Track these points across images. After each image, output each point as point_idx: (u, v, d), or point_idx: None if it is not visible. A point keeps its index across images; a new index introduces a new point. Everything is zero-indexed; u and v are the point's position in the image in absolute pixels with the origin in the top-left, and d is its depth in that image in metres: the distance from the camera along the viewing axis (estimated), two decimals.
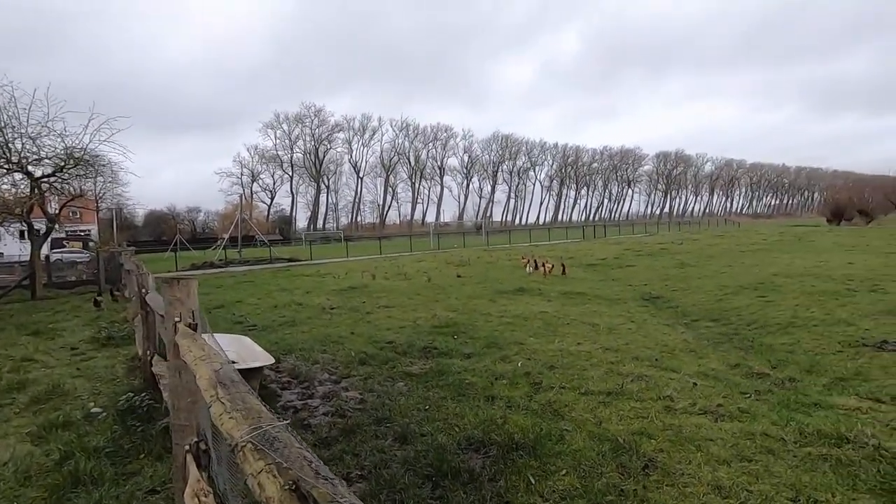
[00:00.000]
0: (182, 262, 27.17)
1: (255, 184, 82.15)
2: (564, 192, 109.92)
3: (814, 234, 31.87)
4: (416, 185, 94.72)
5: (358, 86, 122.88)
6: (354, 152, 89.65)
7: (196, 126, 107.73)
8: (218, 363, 1.69)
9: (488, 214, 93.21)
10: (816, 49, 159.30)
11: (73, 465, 3.43)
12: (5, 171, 14.71)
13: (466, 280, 14.64)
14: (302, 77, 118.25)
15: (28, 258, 16.53)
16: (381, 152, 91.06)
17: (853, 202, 52.11)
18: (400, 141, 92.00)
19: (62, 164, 15.18)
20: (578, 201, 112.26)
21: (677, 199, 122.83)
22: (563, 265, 15.80)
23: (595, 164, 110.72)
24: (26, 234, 16.67)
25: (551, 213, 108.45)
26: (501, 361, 5.94)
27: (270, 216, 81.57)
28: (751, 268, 15.02)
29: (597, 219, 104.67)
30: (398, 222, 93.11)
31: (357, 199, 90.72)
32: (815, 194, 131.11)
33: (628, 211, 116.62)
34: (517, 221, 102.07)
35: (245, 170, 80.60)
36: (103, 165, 17.11)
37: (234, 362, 5.18)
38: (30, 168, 14.90)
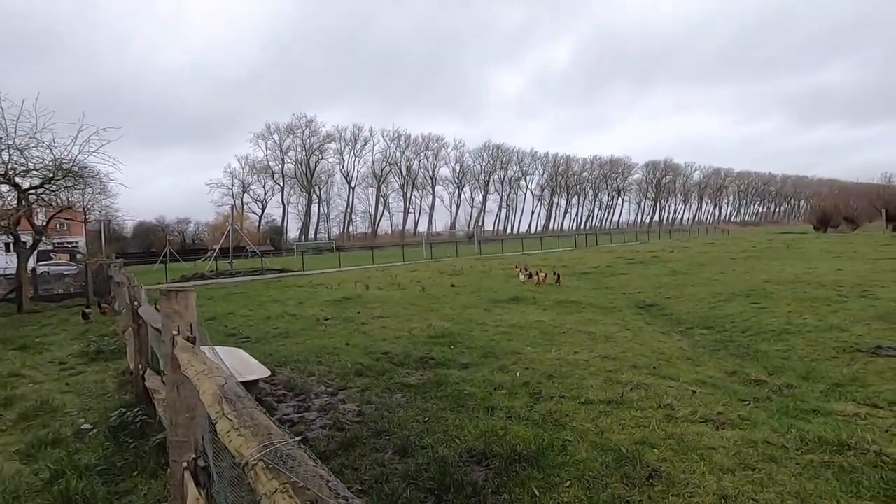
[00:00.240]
0: (172, 274, 26.86)
1: (245, 194, 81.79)
2: (555, 201, 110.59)
3: (802, 241, 32.30)
4: (408, 195, 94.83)
5: (349, 96, 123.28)
6: (346, 162, 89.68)
7: (187, 137, 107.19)
8: (222, 378, 1.65)
9: (480, 224, 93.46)
10: (798, 62, 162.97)
11: (64, 485, 3.33)
12: None
13: (461, 289, 14.61)
14: (293, 88, 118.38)
15: (14, 271, 16.24)
16: (373, 162, 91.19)
17: (839, 209, 52.98)
18: (391, 151, 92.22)
19: (50, 175, 15.00)
20: (569, 210, 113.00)
21: (667, 208, 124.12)
22: (557, 274, 15.82)
23: (585, 174, 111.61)
24: (12, 246, 16.39)
25: (543, 222, 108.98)
26: (499, 371, 5.90)
27: (261, 227, 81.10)
28: (742, 275, 15.16)
29: (588, 227, 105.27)
30: (390, 232, 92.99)
31: (349, 210, 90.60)
32: (802, 202, 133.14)
33: (619, 219, 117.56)
34: (509, 230, 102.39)
35: (236, 180, 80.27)
36: (92, 177, 16.94)
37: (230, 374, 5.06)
38: (17, 179, 14.69)
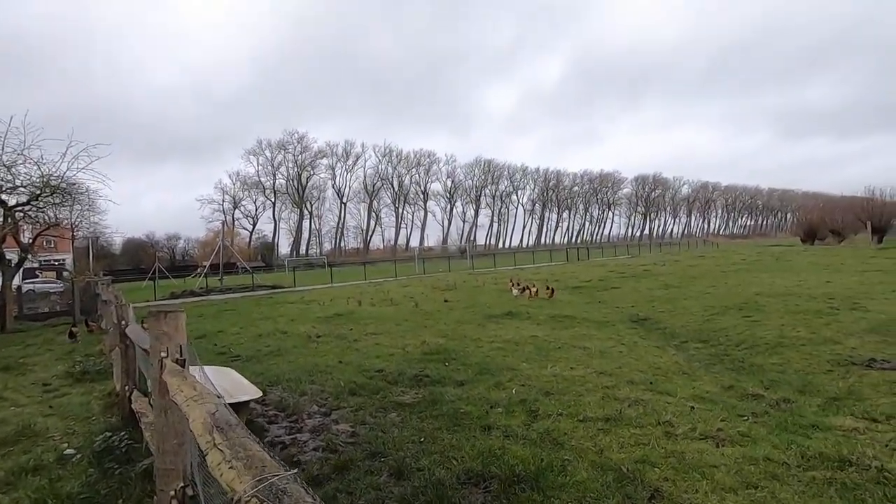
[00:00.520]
0: (161, 291, 26.48)
1: (236, 210, 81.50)
2: (547, 215, 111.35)
3: (790, 253, 32.65)
4: (400, 210, 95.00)
5: (341, 112, 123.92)
6: (338, 178, 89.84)
7: (178, 153, 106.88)
8: (213, 404, 1.58)
9: (472, 238, 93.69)
10: (782, 79, 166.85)
11: None
12: None
13: (454, 305, 14.52)
14: (285, 104, 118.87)
15: None
16: (365, 178, 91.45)
17: (825, 222, 53.74)
18: (383, 167, 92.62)
19: (38, 192, 14.80)
20: (560, 224, 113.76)
21: (657, 222, 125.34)
22: (551, 288, 15.81)
23: (576, 188, 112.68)
24: None
25: (534, 237, 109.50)
26: (495, 388, 5.82)
27: (252, 243, 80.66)
28: (734, 288, 15.23)
29: (579, 241, 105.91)
30: (382, 247, 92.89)
31: (340, 225, 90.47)
32: (788, 215, 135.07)
33: (609, 233, 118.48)
34: (501, 245, 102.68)
35: (227, 196, 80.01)
36: (80, 193, 16.75)
37: (219, 396, 4.95)
38: (3, 196, 14.48)
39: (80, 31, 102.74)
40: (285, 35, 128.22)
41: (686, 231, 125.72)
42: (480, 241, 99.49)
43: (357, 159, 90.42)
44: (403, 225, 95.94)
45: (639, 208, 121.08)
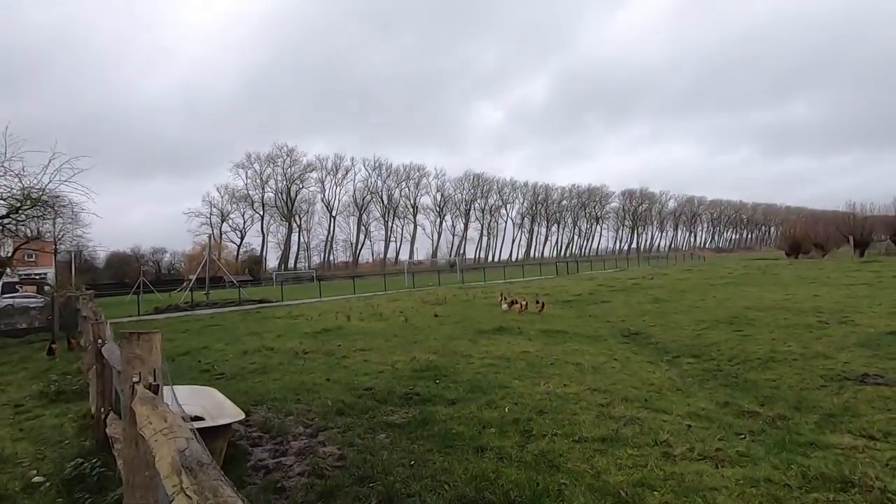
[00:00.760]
0: (145, 306, 25.91)
1: (224, 224, 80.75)
2: (536, 229, 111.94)
3: (776, 267, 33.02)
4: (390, 224, 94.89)
5: (331, 126, 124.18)
6: (327, 191, 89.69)
7: (165, 166, 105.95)
8: (184, 439, 1.43)
9: (462, 252, 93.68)
10: (763, 98, 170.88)
11: None
12: None
13: (444, 319, 14.35)
14: (274, 118, 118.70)
15: None
16: (354, 191, 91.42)
17: (809, 236, 54.63)
18: (373, 180, 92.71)
19: (18, 204, 14.48)
20: (549, 238, 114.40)
21: (644, 235, 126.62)
22: (541, 303, 15.72)
23: (564, 202, 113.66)
24: None
25: (523, 250, 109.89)
26: (488, 407, 5.66)
27: (240, 256, 79.80)
28: (723, 301, 15.27)
29: (568, 255, 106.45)
30: (371, 261, 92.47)
31: (330, 238, 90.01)
32: (772, 229, 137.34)
33: (597, 247, 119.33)
34: (490, 258, 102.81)
35: (214, 209, 79.31)
36: (63, 206, 16.42)
37: (200, 418, 4.73)
38: None
39: (70, 45, 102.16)
40: (275, 51, 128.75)
41: (673, 245, 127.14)
42: (470, 254, 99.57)
43: (347, 173, 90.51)
44: (393, 238, 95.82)
45: (626, 222, 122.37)
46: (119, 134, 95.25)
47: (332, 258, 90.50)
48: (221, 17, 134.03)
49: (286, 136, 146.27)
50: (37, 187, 14.49)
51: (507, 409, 5.50)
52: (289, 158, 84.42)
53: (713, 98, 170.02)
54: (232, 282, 39.00)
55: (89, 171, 15.25)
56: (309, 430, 5.24)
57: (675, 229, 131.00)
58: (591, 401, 5.80)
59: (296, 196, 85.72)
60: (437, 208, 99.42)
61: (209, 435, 4.08)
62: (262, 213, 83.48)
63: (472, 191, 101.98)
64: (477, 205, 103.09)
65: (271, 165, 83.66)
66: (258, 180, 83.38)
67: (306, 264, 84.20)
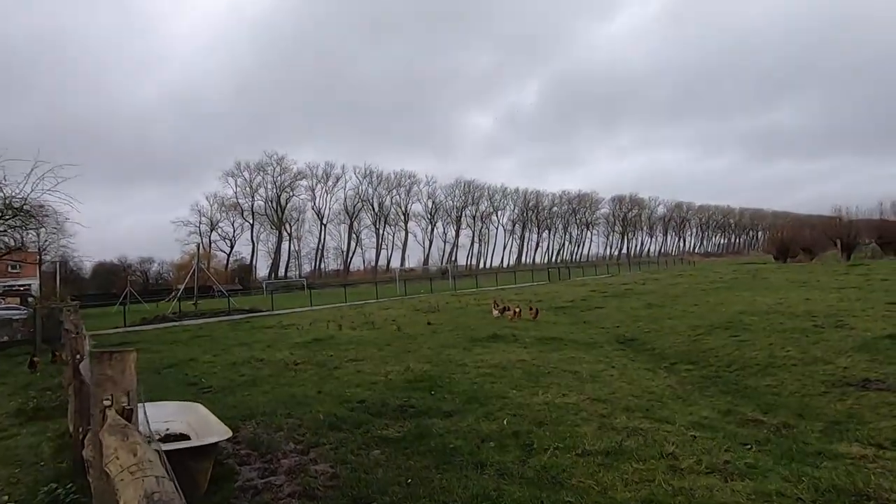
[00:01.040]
0: (132, 317, 25.40)
1: (213, 232, 79.87)
2: (527, 235, 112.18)
3: (765, 271, 33.24)
4: (381, 231, 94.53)
5: (321, 134, 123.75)
6: (318, 199, 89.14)
7: (153, 175, 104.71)
8: (154, 478, 1.24)
9: (454, 259, 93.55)
10: (748, 103, 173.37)
11: None
12: None
13: (438, 328, 14.15)
14: (264, 126, 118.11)
15: None
16: (345, 199, 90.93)
17: (796, 240, 55.27)
18: (364, 188, 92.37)
19: None
20: (540, 244, 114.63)
21: (634, 241, 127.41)
22: (535, 309, 15.59)
23: (555, 208, 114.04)
24: None
25: (515, 257, 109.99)
26: (485, 419, 5.48)
27: (229, 265, 78.96)
28: (716, 306, 15.23)
29: (559, 261, 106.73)
30: (363, 269, 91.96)
31: (320, 246, 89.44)
32: (759, 233, 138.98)
33: (588, 252, 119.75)
34: (482, 265, 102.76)
35: (203, 218, 78.44)
36: (46, 216, 16.04)
37: (185, 436, 4.47)
38: None
39: (56, 54, 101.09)
40: (266, 59, 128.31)
41: (662, 250, 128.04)
42: (461, 261, 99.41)
43: (337, 180, 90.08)
44: (384, 246, 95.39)
45: (616, 228, 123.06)
46: (105, 143, 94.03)
47: (322, 266, 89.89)
48: (211, 26, 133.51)
49: (276, 144, 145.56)
50: (18, 197, 14.13)
51: (505, 421, 5.32)
52: (279, 166, 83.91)
53: (700, 104, 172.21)
54: (221, 291, 38.47)
55: (74, 179, 14.92)
56: (300, 446, 5.02)
57: (665, 234, 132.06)
58: (591, 411, 5.64)
59: (286, 204, 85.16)
60: (429, 215, 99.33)
61: (194, 455, 3.87)
62: (251, 221, 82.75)
63: (463, 198, 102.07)
64: (468, 211, 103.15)
65: (261, 174, 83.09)
66: (248, 188, 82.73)
67: (297, 273, 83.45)
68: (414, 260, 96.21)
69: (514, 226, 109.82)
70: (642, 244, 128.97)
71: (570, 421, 5.28)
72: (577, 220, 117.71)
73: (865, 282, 19.78)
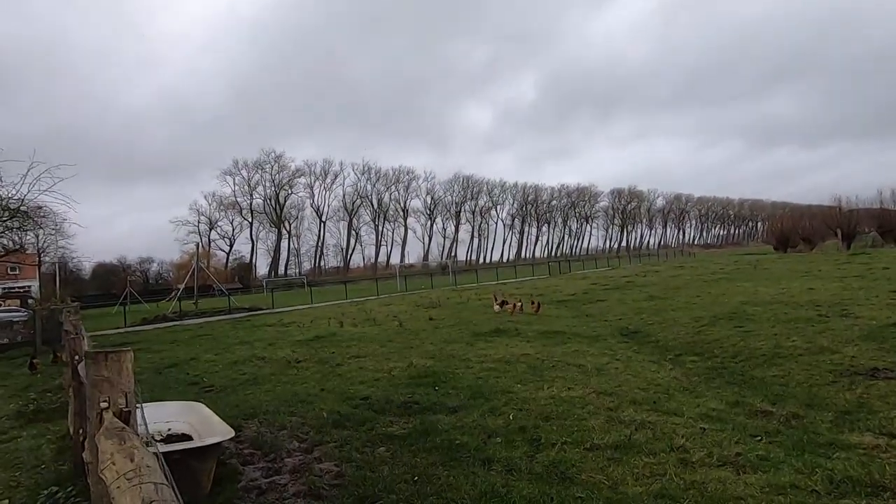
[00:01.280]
0: (132, 317, 25.35)
1: (212, 231, 79.76)
2: (526, 229, 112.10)
3: (766, 261, 33.19)
4: (380, 228, 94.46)
5: (319, 131, 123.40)
6: (316, 196, 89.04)
7: (151, 175, 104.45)
8: (152, 485, 1.17)
9: (453, 254, 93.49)
10: (746, 94, 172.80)
11: None
12: None
13: (440, 323, 14.09)
14: (262, 124, 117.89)
15: None
16: (344, 196, 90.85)
17: (796, 230, 55.21)
18: (362, 184, 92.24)
19: None
20: (540, 238, 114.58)
21: (633, 233, 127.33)
22: (537, 303, 15.53)
23: (554, 202, 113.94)
24: None
25: (514, 251, 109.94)
26: (491, 414, 5.41)
27: (229, 264, 78.91)
28: (718, 297, 15.16)
29: (558, 254, 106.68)
30: (363, 265, 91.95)
31: (320, 244, 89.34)
32: (759, 224, 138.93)
33: (588, 246, 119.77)
34: (482, 260, 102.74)
35: (202, 217, 78.30)
36: (44, 217, 15.93)
37: (188, 436, 4.40)
38: None
39: (50, 54, 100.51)
40: (262, 56, 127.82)
41: (662, 242, 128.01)
42: (461, 256, 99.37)
43: (336, 177, 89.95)
44: (384, 242, 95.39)
45: (616, 221, 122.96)
46: (103, 143, 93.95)
47: (322, 264, 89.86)
48: (206, 26, 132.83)
49: (274, 142, 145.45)
50: (15, 198, 14.02)
51: (511, 417, 5.26)
52: (277, 164, 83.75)
53: (699, 95, 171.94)
54: (221, 290, 38.40)
55: (71, 180, 14.82)
56: (304, 445, 4.96)
57: (664, 227, 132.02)
58: (598, 404, 5.57)
59: (285, 202, 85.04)
60: (428, 211, 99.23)
61: (197, 456, 3.80)
62: (250, 219, 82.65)
63: (462, 193, 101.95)
64: (467, 207, 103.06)
65: (259, 172, 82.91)
66: (246, 187, 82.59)
67: (297, 270, 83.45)
68: (414, 256, 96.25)
69: (513, 220, 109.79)
70: (642, 237, 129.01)
71: (577, 415, 5.21)
72: (577, 214, 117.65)
73: (867, 270, 19.71)
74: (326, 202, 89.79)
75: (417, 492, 3.69)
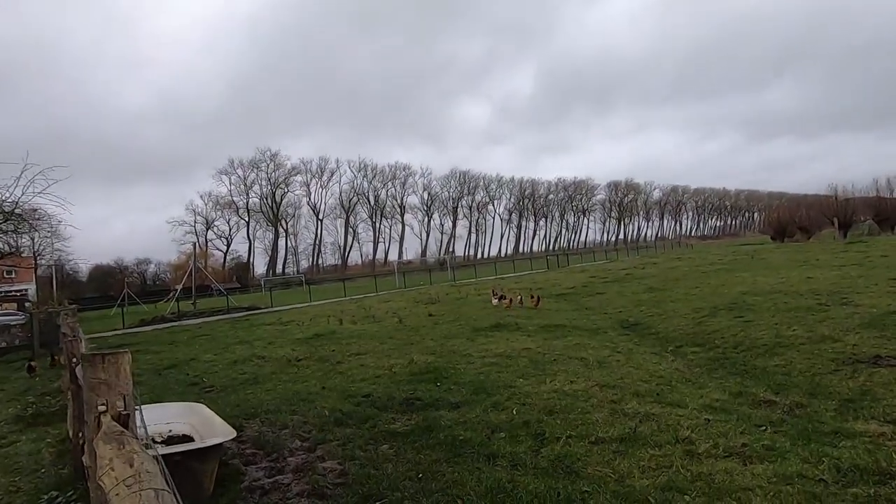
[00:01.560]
0: (130, 318, 25.25)
1: (209, 231, 79.56)
2: (524, 224, 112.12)
3: (763, 251, 33.21)
4: (377, 225, 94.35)
5: (314, 129, 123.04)
6: (313, 195, 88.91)
7: (146, 175, 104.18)
8: (152, 491, 1.12)
9: (451, 250, 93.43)
10: (742, 85, 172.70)
11: None
12: None
13: (439, 319, 14.06)
14: (257, 122, 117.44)
15: None
16: (340, 193, 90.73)
17: (793, 220, 55.30)
18: (359, 181, 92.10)
19: None
20: (537, 232, 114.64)
21: (630, 226, 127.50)
22: (536, 297, 15.51)
23: (551, 196, 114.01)
24: None
25: (512, 245, 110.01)
26: (494, 409, 5.39)
27: (227, 264, 78.76)
28: (718, 288, 15.16)
29: (556, 248, 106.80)
30: (361, 263, 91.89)
31: (317, 242, 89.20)
32: (756, 214, 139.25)
33: (585, 239, 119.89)
34: (479, 255, 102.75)
35: (199, 217, 78.07)
36: (37, 220, 15.79)
37: (189, 437, 4.35)
38: None
39: (43, 57, 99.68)
40: (257, 54, 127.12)
41: (659, 234, 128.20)
42: (459, 251, 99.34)
43: (332, 175, 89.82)
44: (381, 239, 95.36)
45: (613, 214, 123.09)
46: (98, 144, 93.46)
47: (320, 261, 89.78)
48: (200, 24, 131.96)
49: (269, 140, 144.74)
50: (9, 200, 13.88)
51: (514, 411, 5.23)
52: (272, 163, 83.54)
53: (695, 87, 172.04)
54: (219, 290, 38.29)
55: (66, 181, 14.61)
56: (306, 443, 4.92)
57: (661, 219, 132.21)
58: (601, 397, 5.55)
59: (281, 200, 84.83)
60: (425, 207, 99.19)
61: (198, 457, 3.76)
62: (247, 219, 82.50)
63: (459, 188, 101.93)
64: (464, 202, 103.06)
65: (255, 170, 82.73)
66: (242, 186, 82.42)
67: (295, 269, 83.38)
68: (412, 252, 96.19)
69: (510, 215, 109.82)
70: (639, 229, 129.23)
71: (581, 408, 5.19)
72: (574, 207, 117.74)
73: (865, 259, 19.75)
74: (323, 200, 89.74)
75: (422, 489, 3.65)
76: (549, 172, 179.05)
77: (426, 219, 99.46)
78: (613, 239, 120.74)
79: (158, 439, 4.43)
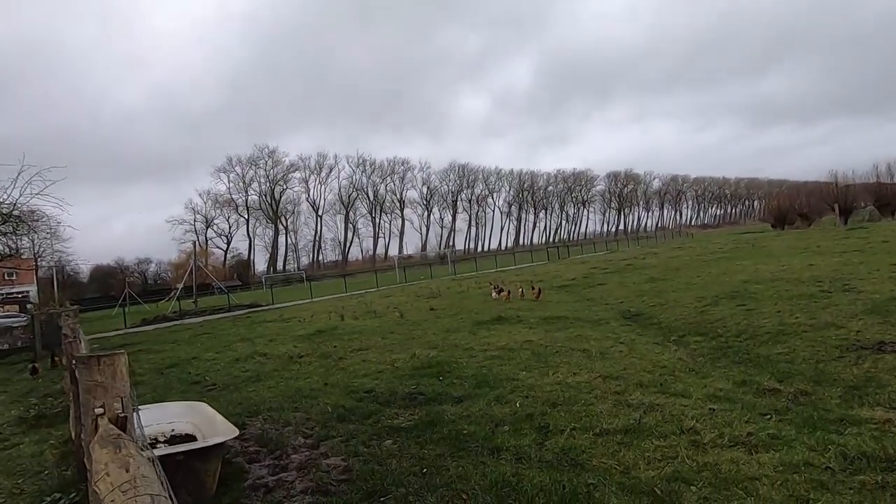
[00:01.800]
0: (132, 318, 25.27)
1: (209, 229, 79.48)
2: (523, 216, 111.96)
3: (764, 239, 33.18)
4: (377, 220, 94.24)
5: (312, 125, 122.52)
6: (312, 191, 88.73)
7: (144, 175, 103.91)
8: (148, 496, 1.09)
9: (451, 244, 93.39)
10: (742, 72, 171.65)
11: None
12: None
13: (441, 313, 14.04)
14: (254, 120, 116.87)
15: None
16: (340, 189, 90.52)
17: (794, 207, 55.17)
18: (357, 177, 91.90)
19: None
20: (538, 224, 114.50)
21: (631, 216, 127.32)
22: (537, 289, 15.49)
23: (550, 188, 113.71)
24: None
25: (512, 238, 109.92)
26: (497, 403, 5.37)
27: (227, 262, 78.77)
28: (719, 277, 15.13)
29: (556, 240, 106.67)
30: (361, 258, 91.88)
31: (317, 238, 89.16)
32: (756, 202, 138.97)
33: (586, 230, 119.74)
34: (480, 248, 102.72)
35: (198, 216, 77.97)
36: (36, 221, 15.76)
37: (192, 436, 4.32)
38: None
39: (39, 57, 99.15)
40: (253, 51, 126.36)
41: (659, 224, 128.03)
42: (459, 245, 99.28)
43: (330, 171, 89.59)
44: (381, 235, 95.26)
45: (613, 204, 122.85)
46: (95, 144, 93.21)
47: (320, 258, 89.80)
48: (199, 20, 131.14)
49: (267, 137, 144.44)
50: (7, 203, 13.83)
51: (518, 404, 5.21)
52: (271, 160, 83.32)
53: (693, 76, 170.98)
54: (220, 288, 38.31)
55: (62, 182, 14.59)
56: (309, 440, 4.90)
57: (661, 208, 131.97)
58: (604, 389, 5.53)
59: (280, 197, 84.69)
60: (424, 201, 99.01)
61: (201, 457, 3.74)
62: (247, 216, 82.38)
63: (458, 182, 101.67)
64: (463, 195, 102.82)
65: (253, 168, 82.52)
66: (241, 183, 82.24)
67: (295, 265, 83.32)
68: (412, 247, 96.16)
69: (510, 207, 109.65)
70: (639, 219, 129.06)
71: (584, 400, 5.16)
72: (573, 199, 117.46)
73: (867, 245, 19.70)
74: (322, 196, 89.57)
75: (427, 484, 3.64)
76: (549, 164, 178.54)
77: (426, 213, 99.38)
78: (614, 230, 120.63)
79: (161, 439, 4.42)
